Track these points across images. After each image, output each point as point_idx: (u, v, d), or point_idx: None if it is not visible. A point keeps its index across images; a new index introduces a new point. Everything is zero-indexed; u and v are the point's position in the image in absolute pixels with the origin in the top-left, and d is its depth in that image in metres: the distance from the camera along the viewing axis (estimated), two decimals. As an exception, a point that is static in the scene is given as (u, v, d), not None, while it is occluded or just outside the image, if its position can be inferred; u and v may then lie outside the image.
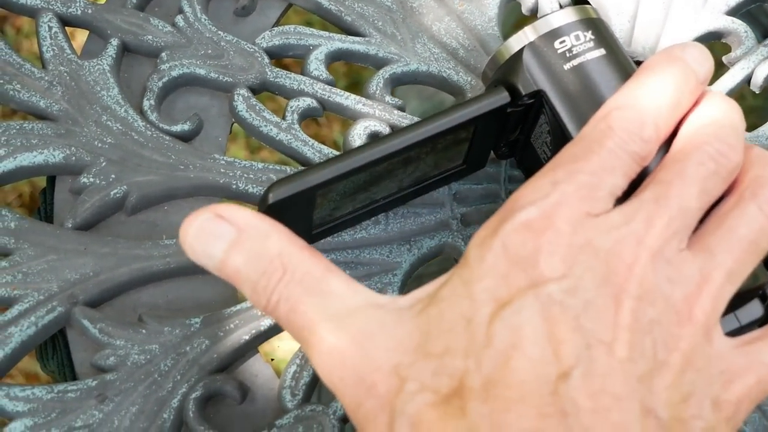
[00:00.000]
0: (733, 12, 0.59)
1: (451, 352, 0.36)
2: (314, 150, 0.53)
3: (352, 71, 1.30)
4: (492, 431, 0.34)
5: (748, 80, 0.57)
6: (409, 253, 0.51)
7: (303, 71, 0.56)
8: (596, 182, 0.39)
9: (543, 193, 0.39)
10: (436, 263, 0.53)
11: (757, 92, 0.57)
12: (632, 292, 0.37)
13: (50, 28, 0.56)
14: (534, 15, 0.60)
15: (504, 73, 0.47)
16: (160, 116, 0.54)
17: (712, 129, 0.41)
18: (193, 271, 0.51)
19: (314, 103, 0.55)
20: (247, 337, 0.49)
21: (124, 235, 0.52)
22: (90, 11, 0.57)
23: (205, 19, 0.57)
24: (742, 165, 0.41)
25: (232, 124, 0.56)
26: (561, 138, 0.45)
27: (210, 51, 0.56)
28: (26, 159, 0.52)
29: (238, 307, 0.50)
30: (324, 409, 0.47)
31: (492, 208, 0.52)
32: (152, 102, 0.54)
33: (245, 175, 0.52)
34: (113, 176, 0.52)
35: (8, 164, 0.52)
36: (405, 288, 0.51)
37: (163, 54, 0.55)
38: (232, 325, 0.49)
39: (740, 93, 0.58)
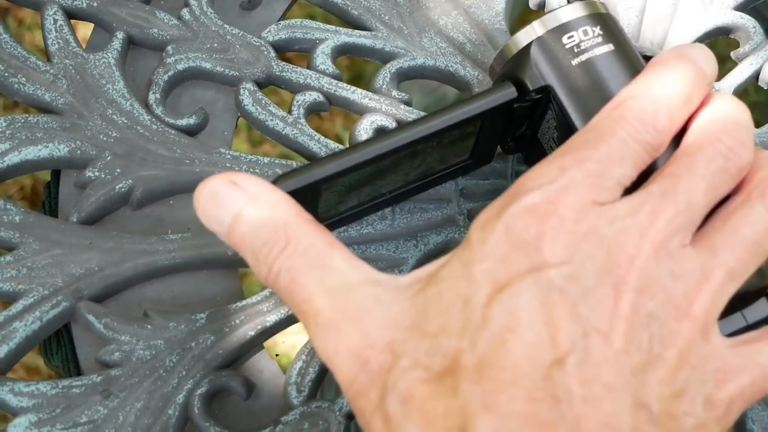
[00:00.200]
0: (741, 7, 0.59)
1: (447, 331, 0.37)
2: (320, 144, 0.53)
3: (354, 64, 1.30)
4: (482, 412, 0.35)
5: (756, 76, 0.57)
6: (415, 248, 0.51)
7: (309, 65, 0.56)
8: (604, 171, 0.39)
9: (550, 178, 0.39)
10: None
11: (765, 88, 0.57)
12: (632, 283, 0.37)
13: (55, 20, 0.55)
14: (541, 9, 0.60)
15: (511, 67, 0.47)
16: (166, 110, 0.54)
17: (724, 126, 0.41)
18: (198, 266, 0.51)
19: (320, 98, 0.54)
20: (252, 333, 0.49)
21: (129, 229, 0.52)
22: (95, 4, 0.56)
23: (211, 13, 0.56)
24: (753, 166, 0.41)
25: (238, 119, 0.56)
26: (568, 134, 0.45)
27: (216, 45, 0.56)
28: (31, 153, 0.52)
29: (244, 302, 0.50)
30: (330, 406, 0.47)
31: (499, 203, 0.52)
32: (158, 96, 0.54)
33: (251, 170, 0.52)
34: (118, 170, 0.52)
35: (13, 158, 0.52)
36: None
37: (169, 47, 0.55)
38: (237, 321, 0.49)
39: (743, 88, 0.57)
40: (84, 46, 0.56)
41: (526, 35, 0.46)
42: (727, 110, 0.42)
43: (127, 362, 0.48)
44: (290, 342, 0.56)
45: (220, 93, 0.56)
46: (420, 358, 0.36)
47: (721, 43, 0.57)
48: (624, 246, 0.37)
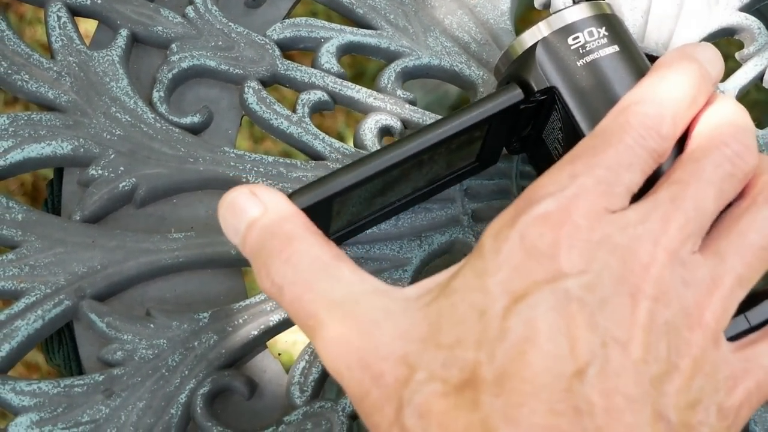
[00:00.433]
0: (746, 8, 0.59)
1: (463, 343, 0.36)
2: (324, 144, 0.53)
3: (356, 61, 1.30)
4: (505, 425, 0.34)
5: (761, 77, 0.57)
6: (419, 248, 0.51)
7: (313, 64, 0.55)
8: (614, 177, 0.39)
9: (561, 186, 0.38)
10: (442, 258, 0.53)
11: (768, 89, 0.57)
12: (648, 292, 0.37)
13: (59, 17, 0.55)
14: (546, 8, 0.59)
15: (517, 68, 0.47)
16: (170, 108, 0.54)
17: (728, 130, 0.41)
18: (201, 265, 0.51)
19: (325, 97, 0.54)
20: (255, 333, 0.49)
21: (132, 228, 0.51)
22: (99, 1, 0.56)
23: (216, 11, 0.56)
24: (756, 170, 0.41)
25: (242, 117, 0.55)
26: (573, 135, 0.45)
27: (220, 43, 0.55)
28: (34, 150, 0.52)
29: (247, 302, 0.49)
30: (333, 406, 0.47)
31: (503, 203, 0.52)
32: (162, 94, 0.54)
33: (255, 168, 0.52)
34: (122, 168, 0.52)
35: (16, 155, 0.52)
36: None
37: (173, 45, 0.55)
38: (240, 321, 0.49)
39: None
40: (88, 43, 0.56)
41: (531, 36, 0.46)
42: (729, 114, 0.41)
43: (130, 361, 0.48)
44: (291, 339, 0.55)
45: (224, 91, 0.56)
46: (436, 370, 0.36)
47: (722, 43, 0.56)
48: (638, 254, 0.37)
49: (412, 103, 0.54)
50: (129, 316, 0.49)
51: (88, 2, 0.56)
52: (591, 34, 0.45)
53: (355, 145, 0.53)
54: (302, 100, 0.54)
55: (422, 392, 0.35)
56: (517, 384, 0.35)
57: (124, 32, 0.55)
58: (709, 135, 0.41)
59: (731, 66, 0.57)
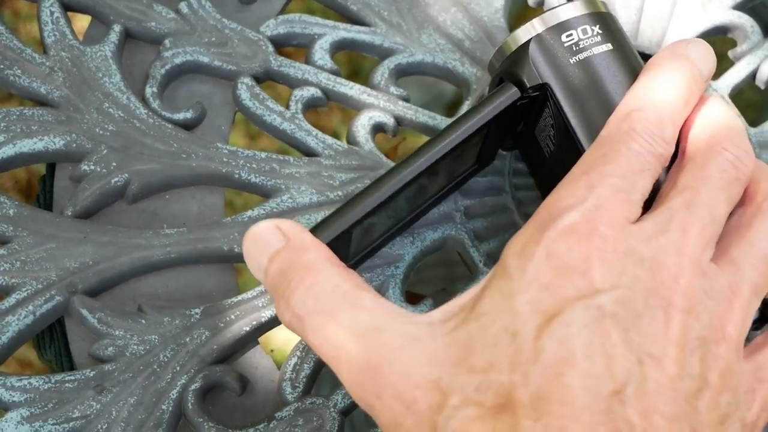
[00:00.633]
0: (739, 6, 0.59)
1: (496, 367, 0.35)
2: (318, 140, 0.53)
3: (352, 60, 1.30)
4: None
5: (753, 75, 0.57)
6: (411, 245, 0.51)
7: (307, 60, 0.55)
8: (630, 185, 0.38)
9: (580, 198, 0.38)
10: (435, 254, 0.52)
11: (762, 88, 0.57)
12: (680, 304, 0.36)
13: (52, 12, 0.55)
14: (540, 6, 0.59)
15: (510, 64, 0.47)
16: (163, 104, 0.54)
17: (725, 133, 0.41)
18: (193, 261, 0.50)
19: (318, 93, 0.54)
20: (247, 329, 0.49)
21: (124, 223, 0.51)
22: (92, -4, 0.56)
23: (210, 6, 0.56)
24: (753, 177, 0.41)
25: (235, 113, 0.55)
26: (564, 132, 0.45)
27: (214, 38, 0.55)
28: (26, 146, 0.52)
29: (239, 298, 0.49)
30: (324, 402, 0.47)
31: (495, 200, 0.52)
32: (155, 89, 0.54)
33: (248, 165, 0.52)
34: (114, 164, 0.52)
35: (8, 151, 0.51)
36: (407, 280, 0.50)
37: (167, 41, 0.55)
38: (232, 316, 0.49)
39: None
40: (81, 38, 0.56)
41: (525, 32, 0.46)
42: (722, 116, 0.41)
43: (121, 357, 0.48)
44: (284, 336, 0.55)
45: (217, 87, 0.56)
46: (470, 394, 0.35)
47: (716, 41, 0.56)
48: (665, 265, 0.36)
49: (406, 100, 0.54)
50: (121, 312, 0.49)
51: (81, -3, 0.56)
52: (585, 31, 0.45)
53: (348, 142, 0.53)
54: (295, 97, 0.54)
55: (457, 418, 0.34)
56: (556, 407, 0.34)
57: (117, 28, 0.55)
58: (706, 139, 0.41)
59: (725, 66, 0.57)
